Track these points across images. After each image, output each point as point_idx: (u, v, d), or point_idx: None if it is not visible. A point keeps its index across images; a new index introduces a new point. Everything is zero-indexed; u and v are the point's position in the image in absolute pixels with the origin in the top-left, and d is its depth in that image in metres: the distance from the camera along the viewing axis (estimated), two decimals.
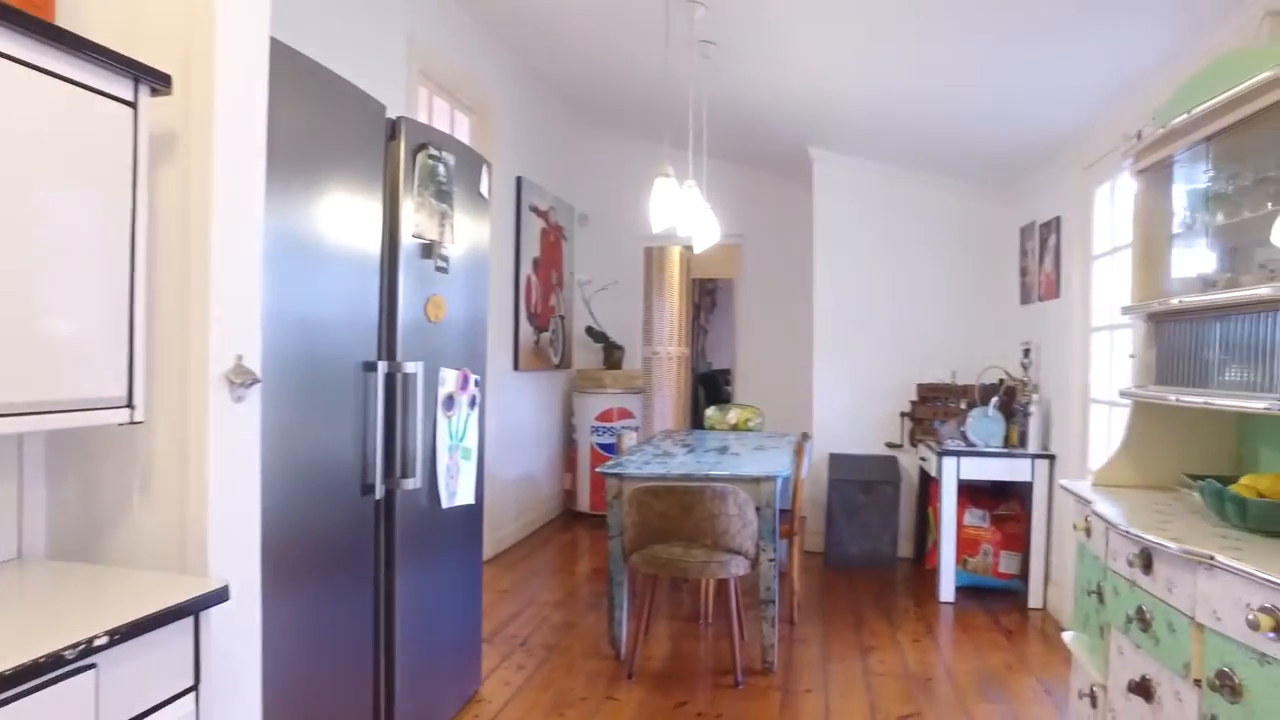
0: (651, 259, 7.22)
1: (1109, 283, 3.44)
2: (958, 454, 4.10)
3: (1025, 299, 4.56)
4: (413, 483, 2.35)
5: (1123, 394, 2.18)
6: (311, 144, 1.98)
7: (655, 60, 4.31)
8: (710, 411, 4.97)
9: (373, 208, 2.23)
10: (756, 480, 3.13)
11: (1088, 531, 2.09)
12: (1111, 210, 3.39)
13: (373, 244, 2.24)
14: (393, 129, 2.33)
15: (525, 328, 5.31)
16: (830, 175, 5.17)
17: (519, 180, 5.24)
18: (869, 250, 5.09)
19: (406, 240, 2.35)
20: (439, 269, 2.53)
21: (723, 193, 6.30)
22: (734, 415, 4.90)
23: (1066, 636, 2.29)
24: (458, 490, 2.65)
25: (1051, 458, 4.00)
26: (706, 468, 3.28)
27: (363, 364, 2.19)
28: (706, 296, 12.08)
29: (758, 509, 3.10)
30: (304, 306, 1.96)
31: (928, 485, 4.88)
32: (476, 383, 2.77)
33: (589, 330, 6.19)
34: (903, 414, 4.98)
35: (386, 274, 2.31)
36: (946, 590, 4.12)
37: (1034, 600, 4.02)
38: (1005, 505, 4.44)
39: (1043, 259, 4.25)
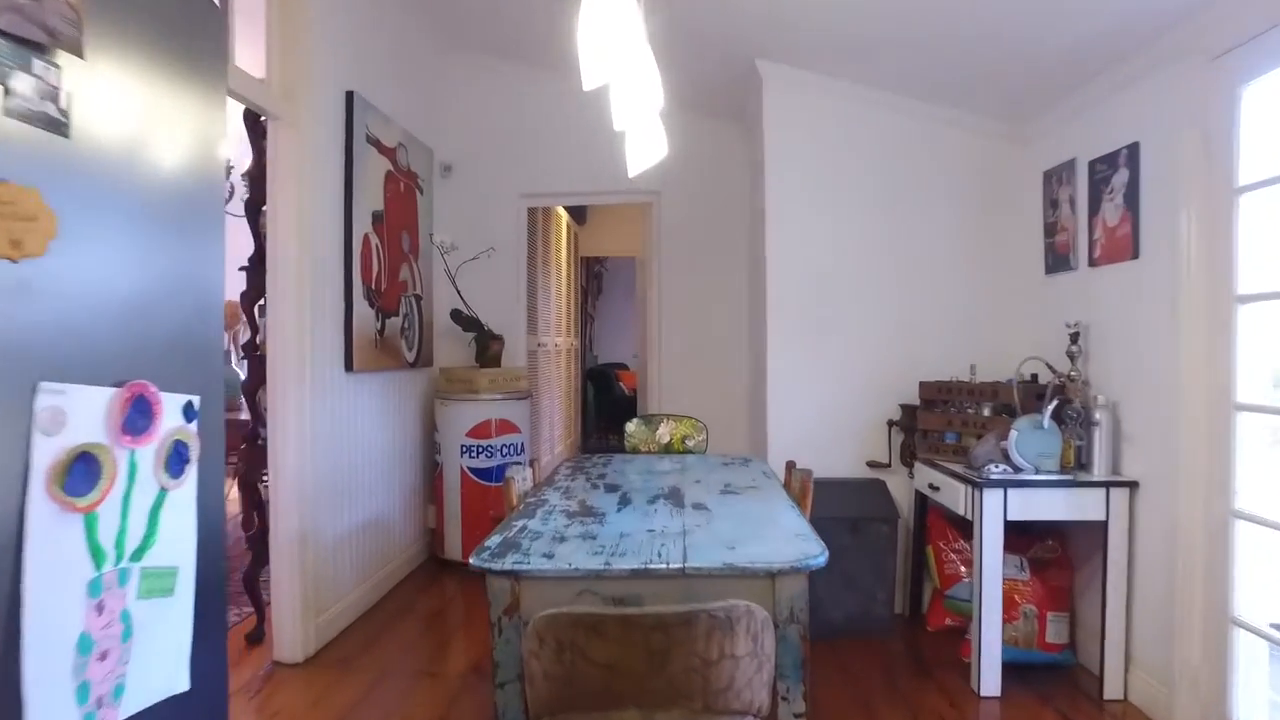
0: (536, 225, 5.70)
1: (1267, 228, 2.24)
2: (1004, 484, 2.85)
3: (1057, 266, 3.37)
4: None
5: None
6: None
7: None
8: (632, 427, 3.52)
9: None
10: (772, 575, 1.71)
11: None
12: None
13: None
14: None
15: (363, 310, 3.68)
16: (786, 101, 3.82)
17: (350, 96, 3.60)
18: (840, 205, 3.78)
19: None
20: (17, 114, 0.96)
21: None
22: (666, 431, 3.48)
23: None
24: (126, 681, 1.08)
25: (1132, 485, 2.80)
26: (670, 547, 1.83)
27: None
28: (593, 280, 10.63)
29: (776, 625, 1.68)
30: None
31: (924, 516, 3.64)
32: (192, 411, 1.21)
33: (456, 316, 4.61)
34: (891, 423, 3.71)
35: None
36: (990, 680, 2.86)
37: (1111, 689, 2.81)
38: (1041, 545, 3.24)
39: (1097, 208, 3.05)
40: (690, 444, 3.45)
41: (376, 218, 3.86)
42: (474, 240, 4.82)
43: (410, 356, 4.31)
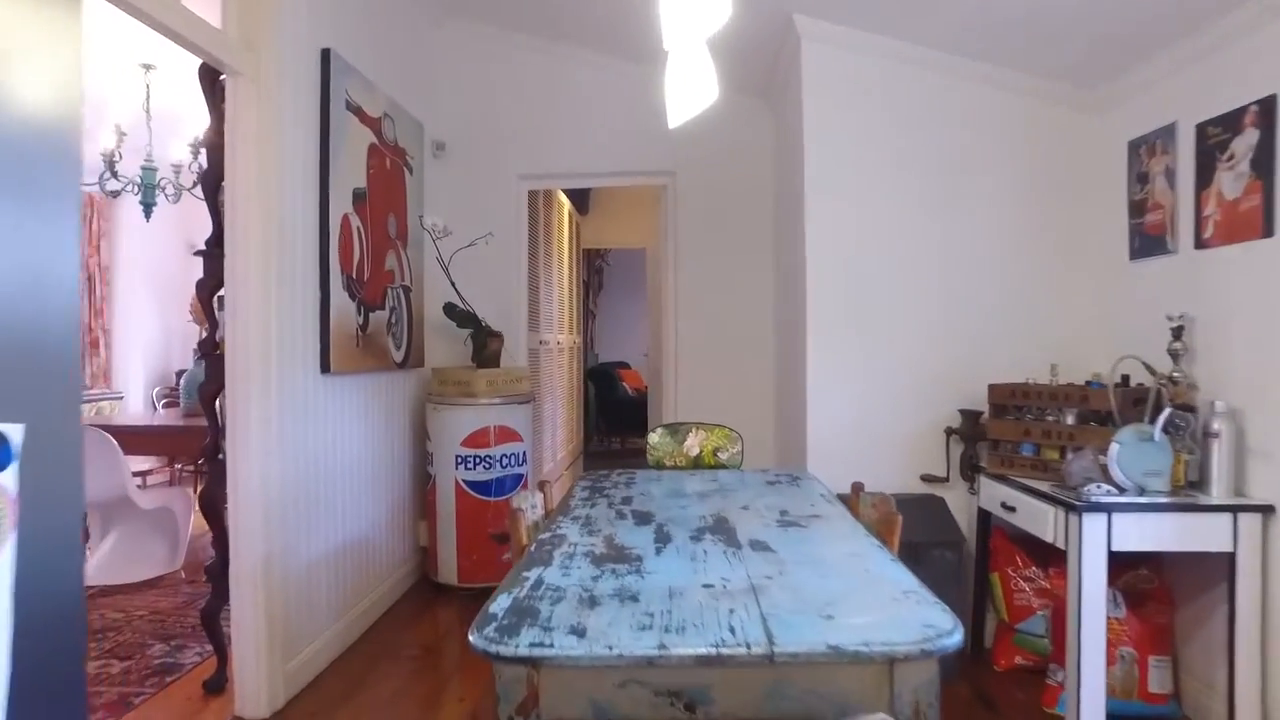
0: (537, 211, 5.21)
1: None
2: (1109, 508, 2.38)
3: (1147, 249, 2.90)
4: None
5: None
6: None
7: None
8: (656, 438, 3.04)
9: None
10: (890, 660, 1.23)
11: None
12: None
13: None
14: None
15: (342, 303, 3.19)
16: (828, 62, 3.34)
17: (327, 55, 3.11)
18: (889, 183, 3.31)
19: None
20: None
21: (643, 112, 4.39)
22: (695, 442, 3.00)
23: None
24: None
25: (1266, 509, 2.33)
26: (743, 616, 1.35)
27: None
28: (594, 274, 10.15)
29: None
30: None
31: (988, 539, 3.18)
32: (4, 452, 0.72)
33: (450, 310, 4.12)
34: (949, 431, 3.24)
35: None
36: None
37: None
38: (1134, 575, 2.78)
39: (1208, 180, 2.58)
40: (723, 457, 2.97)
41: (358, 196, 3.37)
42: (469, 226, 4.33)
43: (398, 356, 3.82)
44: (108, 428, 4.05)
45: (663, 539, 1.87)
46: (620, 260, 10.64)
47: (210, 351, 2.83)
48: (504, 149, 4.50)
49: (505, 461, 3.94)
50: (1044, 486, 2.63)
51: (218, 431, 2.80)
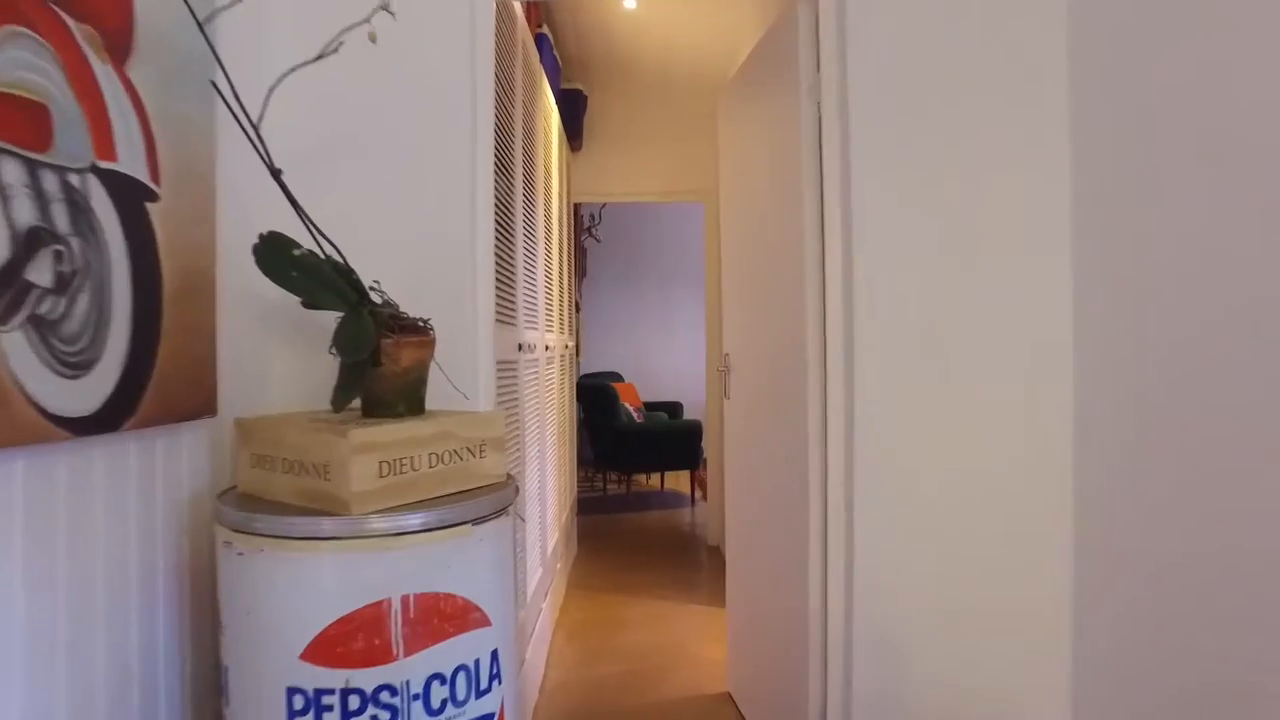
0: (514, 81, 2.63)
1: None
2: None
3: None
4: None
5: None
6: None
7: None
8: None
9: None
10: None
11: None
12: None
13: None
14: None
15: None
16: None
17: None
18: None
19: None
20: None
21: None
22: None
23: None
24: None
25: None
26: None
27: None
28: (579, 254, 7.55)
29: None
30: None
31: None
32: None
33: (274, 254, 1.48)
34: None
35: None
36: None
37: None
38: None
39: None
40: None
41: None
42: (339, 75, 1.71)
43: (84, 399, 1.18)
44: None
45: None
46: (612, 231, 8.09)
47: None
48: None
49: (441, 698, 1.33)
50: None
51: None
